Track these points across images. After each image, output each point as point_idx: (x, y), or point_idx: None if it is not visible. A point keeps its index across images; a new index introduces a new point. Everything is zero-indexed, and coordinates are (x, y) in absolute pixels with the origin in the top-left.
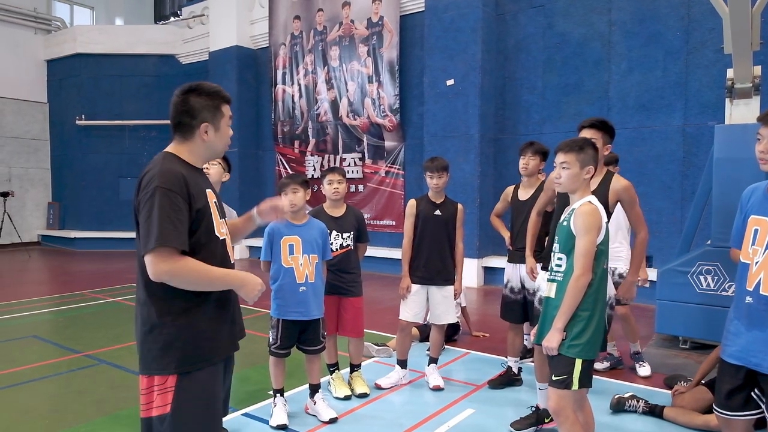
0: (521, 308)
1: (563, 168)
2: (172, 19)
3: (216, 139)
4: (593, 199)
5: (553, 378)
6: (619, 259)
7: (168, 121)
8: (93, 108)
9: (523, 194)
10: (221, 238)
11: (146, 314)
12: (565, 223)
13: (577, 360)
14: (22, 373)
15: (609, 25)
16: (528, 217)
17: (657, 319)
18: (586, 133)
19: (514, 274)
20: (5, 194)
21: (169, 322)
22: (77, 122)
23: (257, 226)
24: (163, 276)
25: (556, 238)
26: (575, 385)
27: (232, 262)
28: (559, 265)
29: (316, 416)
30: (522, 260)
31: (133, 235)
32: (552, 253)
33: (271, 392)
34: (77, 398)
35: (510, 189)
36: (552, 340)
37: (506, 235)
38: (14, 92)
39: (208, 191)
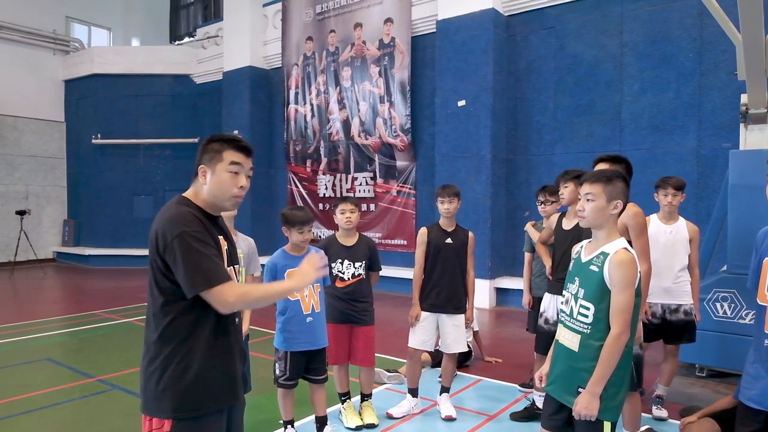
0: None
1: (588, 200)
2: (186, 39)
3: (211, 182)
4: (627, 244)
5: None
6: (685, 294)
7: (182, 140)
8: (109, 127)
9: (567, 223)
10: None
11: (150, 355)
12: (594, 269)
13: (605, 422)
14: (34, 399)
15: (621, 47)
16: (569, 248)
17: None
18: (602, 167)
19: (551, 305)
20: (22, 213)
21: (169, 366)
22: (93, 141)
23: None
24: (236, 305)
25: (577, 279)
26: None
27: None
28: (585, 315)
29: None
30: (560, 291)
31: (146, 252)
32: (571, 296)
33: (282, 422)
34: (89, 426)
35: (555, 217)
36: (591, 408)
37: (548, 263)
38: (33, 112)
39: (221, 238)
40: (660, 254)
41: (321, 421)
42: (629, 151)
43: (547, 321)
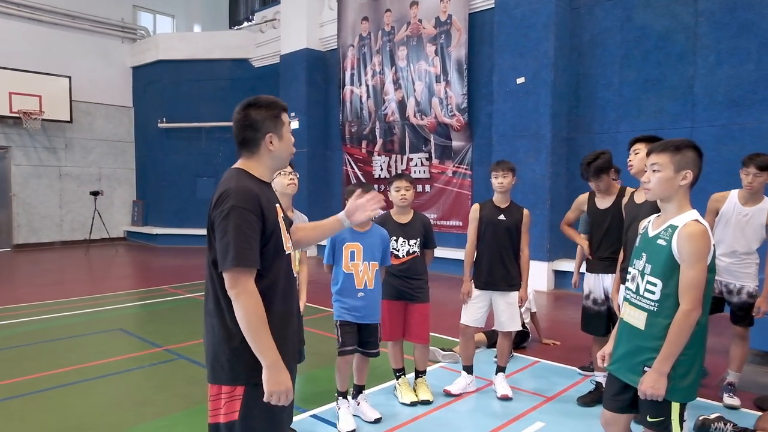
0: (605, 320)
1: (654, 171)
2: (245, 24)
3: (281, 147)
4: (699, 216)
5: (649, 419)
6: (748, 276)
7: None
8: (173, 111)
9: (602, 203)
10: (287, 252)
11: (216, 325)
12: (662, 243)
13: (674, 402)
14: (108, 365)
15: (695, 16)
16: (609, 227)
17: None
18: (639, 147)
19: (597, 284)
20: (96, 193)
21: (237, 335)
22: (159, 125)
23: (345, 227)
24: (236, 297)
25: (644, 255)
26: (676, 428)
27: (295, 275)
28: (651, 291)
29: (360, 416)
30: (605, 270)
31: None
32: (637, 273)
33: (336, 393)
34: (158, 392)
35: (584, 197)
36: (658, 387)
37: (584, 243)
38: (104, 98)
39: (277, 206)
40: (730, 236)
41: (358, 389)
42: (703, 127)
43: (595, 301)
